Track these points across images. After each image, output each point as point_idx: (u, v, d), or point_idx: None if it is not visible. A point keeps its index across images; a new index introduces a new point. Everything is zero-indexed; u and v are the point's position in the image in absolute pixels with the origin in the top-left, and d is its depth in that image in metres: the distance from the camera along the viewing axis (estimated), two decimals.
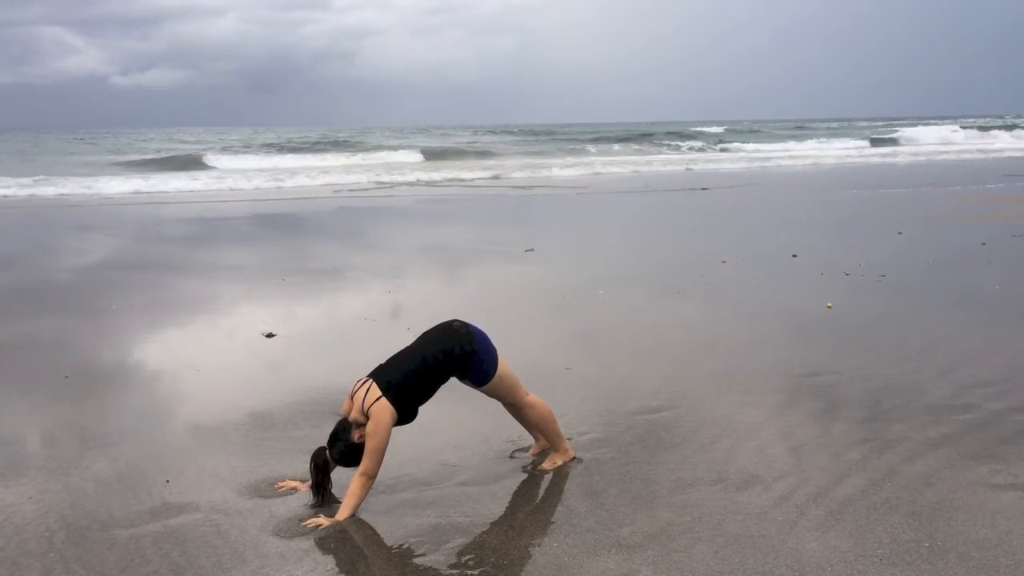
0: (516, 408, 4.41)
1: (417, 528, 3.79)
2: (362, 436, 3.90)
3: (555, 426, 4.45)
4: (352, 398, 3.99)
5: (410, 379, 3.97)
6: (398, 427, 4.01)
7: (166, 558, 3.57)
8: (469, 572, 3.43)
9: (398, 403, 3.91)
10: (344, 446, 3.92)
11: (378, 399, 3.88)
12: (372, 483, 3.92)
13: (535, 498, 4.09)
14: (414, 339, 4.23)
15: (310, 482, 4.07)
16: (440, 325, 4.24)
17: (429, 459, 4.52)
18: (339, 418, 4.04)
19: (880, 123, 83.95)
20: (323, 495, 4.03)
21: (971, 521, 3.73)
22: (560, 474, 4.34)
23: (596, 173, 28.78)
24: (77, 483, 4.32)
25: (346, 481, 4.00)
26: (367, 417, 3.89)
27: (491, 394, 4.30)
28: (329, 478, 4.07)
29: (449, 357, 4.05)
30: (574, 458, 4.48)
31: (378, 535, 3.76)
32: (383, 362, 4.09)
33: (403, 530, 3.78)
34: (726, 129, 65.45)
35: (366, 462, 3.86)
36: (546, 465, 4.40)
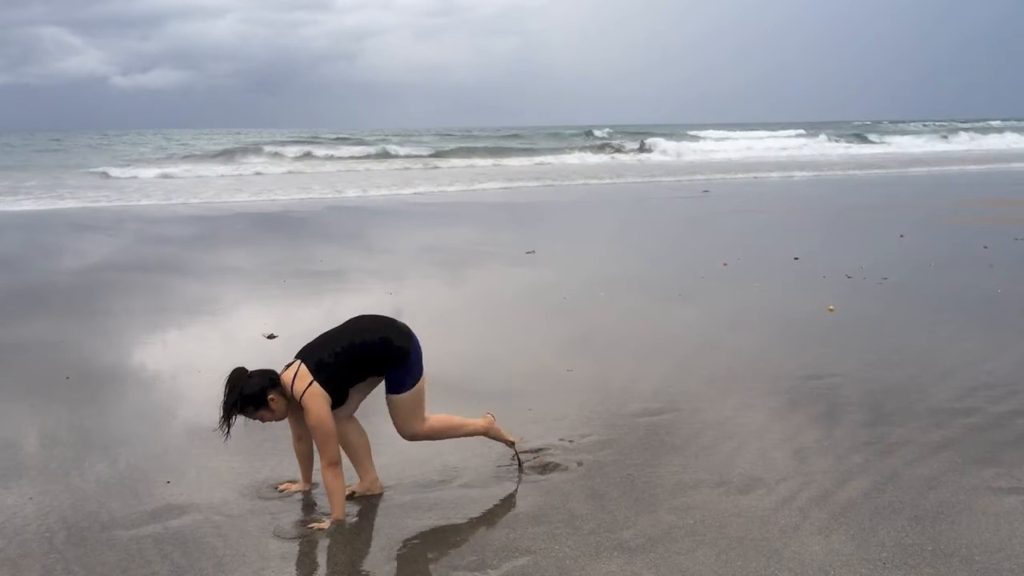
0: (407, 435, 4.14)
1: (418, 530, 3.78)
2: (275, 400, 3.82)
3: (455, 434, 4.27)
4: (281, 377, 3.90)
5: (342, 362, 3.86)
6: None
7: (167, 559, 3.56)
8: (471, 575, 3.41)
9: (329, 386, 3.82)
10: (253, 389, 3.78)
11: (309, 385, 3.80)
12: (341, 466, 3.84)
13: (537, 501, 4.07)
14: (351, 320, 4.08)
15: (222, 416, 3.81)
16: (383, 316, 4.13)
17: (431, 461, 4.51)
18: None
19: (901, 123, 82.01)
20: (228, 425, 3.83)
21: (974, 525, 3.72)
22: (562, 477, 4.32)
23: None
24: (78, 484, 4.31)
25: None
26: (300, 406, 3.82)
27: (397, 406, 4.04)
28: (239, 406, 3.81)
29: (386, 346, 3.92)
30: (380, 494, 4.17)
31: (380, 537, 3.75)
32: (311, 341, 3.98)
33: (405, 532, 3.77)
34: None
35: (325, 452, 3.80)
36: (358, 489, 4.15)
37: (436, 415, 4.24)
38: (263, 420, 3.92)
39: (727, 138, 50.95)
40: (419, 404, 4.09)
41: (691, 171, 29.50)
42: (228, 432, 3.86)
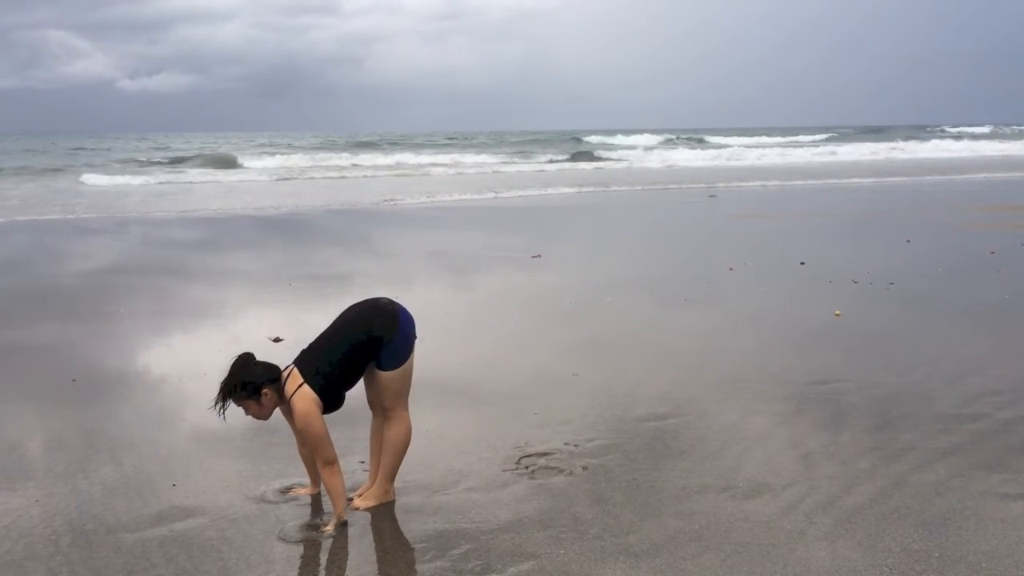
0: (385, 416, 4.07)
1: (423, 534, 3.78)
2: (268, 394, 3.79)
3: (400, 460, 4.10)
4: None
5: (337, 370, 3.84)
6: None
7: (172, 562, 3.56)
8: None
9: (325, 394, 3.81)
10: (253, 377, 3.77)
11: (299, 387, 3.77)
12: (338, 464, 3.82)
13: (542, 505, 4.06)
14: (343, 318, 4.02)
15: (219, 397, 3.81)
16: (366, 303, 4.08)
17: (436, 465, 4.51)
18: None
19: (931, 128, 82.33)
20: (223, 405, 3.82)
21: (981, 531, 3.70)
22: (567, 481, 4.31)
23: None
24: (84, 487, 4.32)
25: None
26: (290, 408, 3.80)
27: (380, 385, 3.97)
28: (236, 390, 3.80)
29: (375, 343, 3.88)
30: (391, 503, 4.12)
31: (384, 541, 3.75)
32: (307, 346, 3.95)
33: (409, 536, 3.77)
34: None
35: (319, 454, 3.79)
36: (358, 503, 4.07)
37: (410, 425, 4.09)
38: (247, 410, 3.86)
39: (735, 144, 51.18)
40: (406, 382, 4.02)
41: (697, 176, 29.48)
42: (223, 412, 3.83)
